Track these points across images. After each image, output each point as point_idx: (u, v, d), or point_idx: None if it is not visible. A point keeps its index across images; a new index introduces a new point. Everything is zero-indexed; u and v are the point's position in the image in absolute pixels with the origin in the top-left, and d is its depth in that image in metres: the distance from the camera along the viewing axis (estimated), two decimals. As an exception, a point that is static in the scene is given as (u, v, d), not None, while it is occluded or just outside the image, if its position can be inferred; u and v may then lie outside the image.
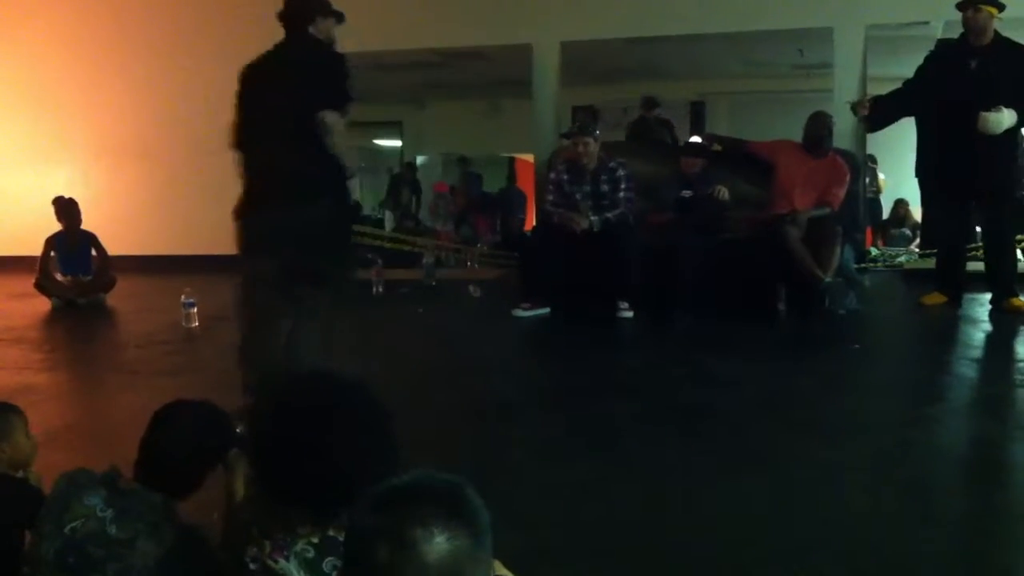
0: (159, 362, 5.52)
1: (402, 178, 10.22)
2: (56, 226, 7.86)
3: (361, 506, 1.28)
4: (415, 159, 10.29)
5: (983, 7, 6.03)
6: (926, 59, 6.48)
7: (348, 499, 1.44)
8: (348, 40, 9.18)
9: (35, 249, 7.98)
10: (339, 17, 4.14)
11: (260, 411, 1.80)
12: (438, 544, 1.21)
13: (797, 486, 3.24)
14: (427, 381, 4.99)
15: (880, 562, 2.63)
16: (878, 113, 6.70)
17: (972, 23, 6.10)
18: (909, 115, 6.52)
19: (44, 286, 7.69)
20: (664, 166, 7.28)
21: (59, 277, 7.82)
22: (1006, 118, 5.88)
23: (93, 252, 7.90)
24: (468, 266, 9.19)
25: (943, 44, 6.63)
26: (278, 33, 4.09)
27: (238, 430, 2.32)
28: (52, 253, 7.85)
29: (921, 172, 6.50)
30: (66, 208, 7.83)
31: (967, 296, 6.47)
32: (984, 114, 5.86)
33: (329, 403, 1.76)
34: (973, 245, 6.68)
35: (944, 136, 6.17)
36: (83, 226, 7.95)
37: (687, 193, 6.90)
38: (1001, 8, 6.08)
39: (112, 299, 7.79)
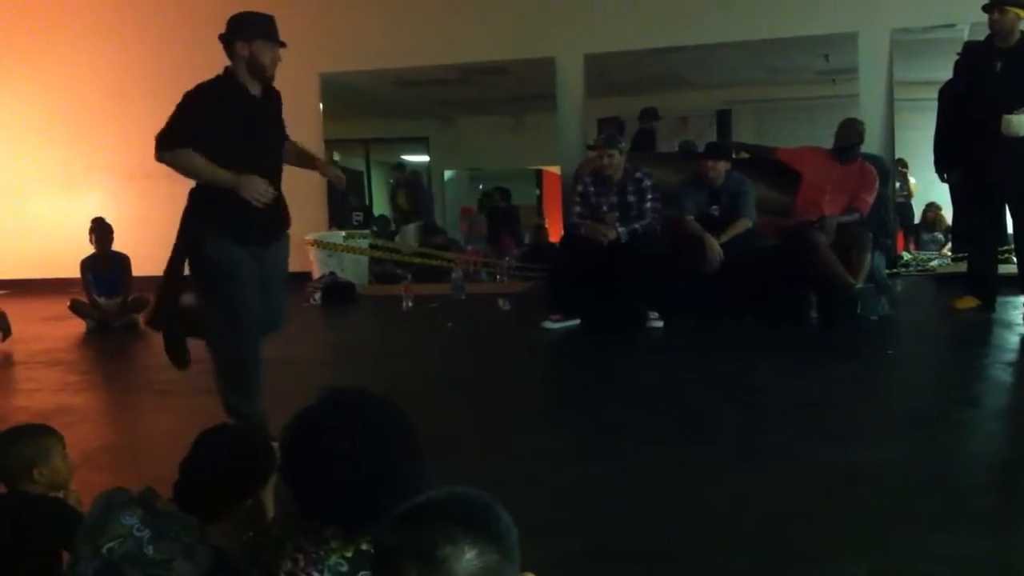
0: (193, 382, 5.54)
1: (396, 184, 10.26)
2: (88, 248, 7.95)
3: (389, 523, 1.28)
4: (402, 161, 10.34)
5: (1009, 8, 5.99)
6: (956, 66, 6.43)
7: (379, 513, 1.45)
8: (374, 59, 9.33)
9: (67, 272, 8.08)
10: (268, 39, 3.81)
11: (291, 426, 1.82)
12: (468, 561, 1.21)
13: (826, 487, 3.22)
14: (456, 394, 5.00)
15: (906, 564, 2.61)
16: (946, 159, 6.55)
17: (998, 25, 6.05)
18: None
19: (78, 308, 7.78)
20: (684, 174, 7.21)
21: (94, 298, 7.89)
22: None
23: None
24: (497, 279, 9.21)
25: (969, 46, 6.58)
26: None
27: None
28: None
29: (949, 173, 6.48)
30: (99, 230, 7.92)
31: (1000, 299, 6.40)
32: (1007, 117, 5.81)
33: (357, 418, 1.78)
34: (1005, 247, 6.62)
35: (971, 137, 6.12)
36: (116, 248, 8.04)
37: (715, 210, 6.77)
38: None
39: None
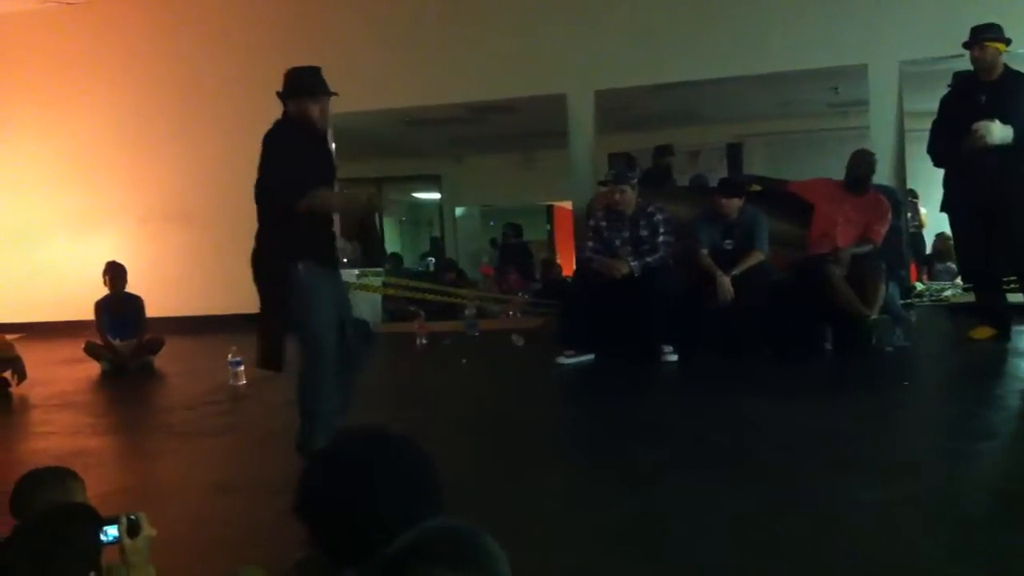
0: (207, 423, 5.57)
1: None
2: (102, 290, 7.99)
3: (376, 571, 1.27)
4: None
5: (988, 44, 6.03)
6: (942, 100, 6.46)
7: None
8: (384, 99, 9.39)
9: (81, 314, 8.11)
10: (312, 95, 4.20)
11: (310, 466, 1.81)
12: None
13: (844, 523, 3.19)
14: (472, 431, 4.99)
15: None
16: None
17: (980, 61, 6.11)
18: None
19: (93, 350, 7.80)
20: (697, 207, 7.22)
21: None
22: (998, 128, 5.86)
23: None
24: (510, 315, 9.20)
25: (958, 77, 6.59)
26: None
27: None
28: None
29: (946, 206, 6.47)
30: (113, 272, 7.96)
31: (1016, 328, 6.36)
32: (978, 124, 5.85)
33: (377, 457, 1.77)
34: (1011, 278, 6.56)
35: (959, 168, 6.14)
36: (130, 289, 8.08)
37: (728, 244, 6.79)
38: (1008, 42, 6.09)
39: (160, 361, 7.87)
